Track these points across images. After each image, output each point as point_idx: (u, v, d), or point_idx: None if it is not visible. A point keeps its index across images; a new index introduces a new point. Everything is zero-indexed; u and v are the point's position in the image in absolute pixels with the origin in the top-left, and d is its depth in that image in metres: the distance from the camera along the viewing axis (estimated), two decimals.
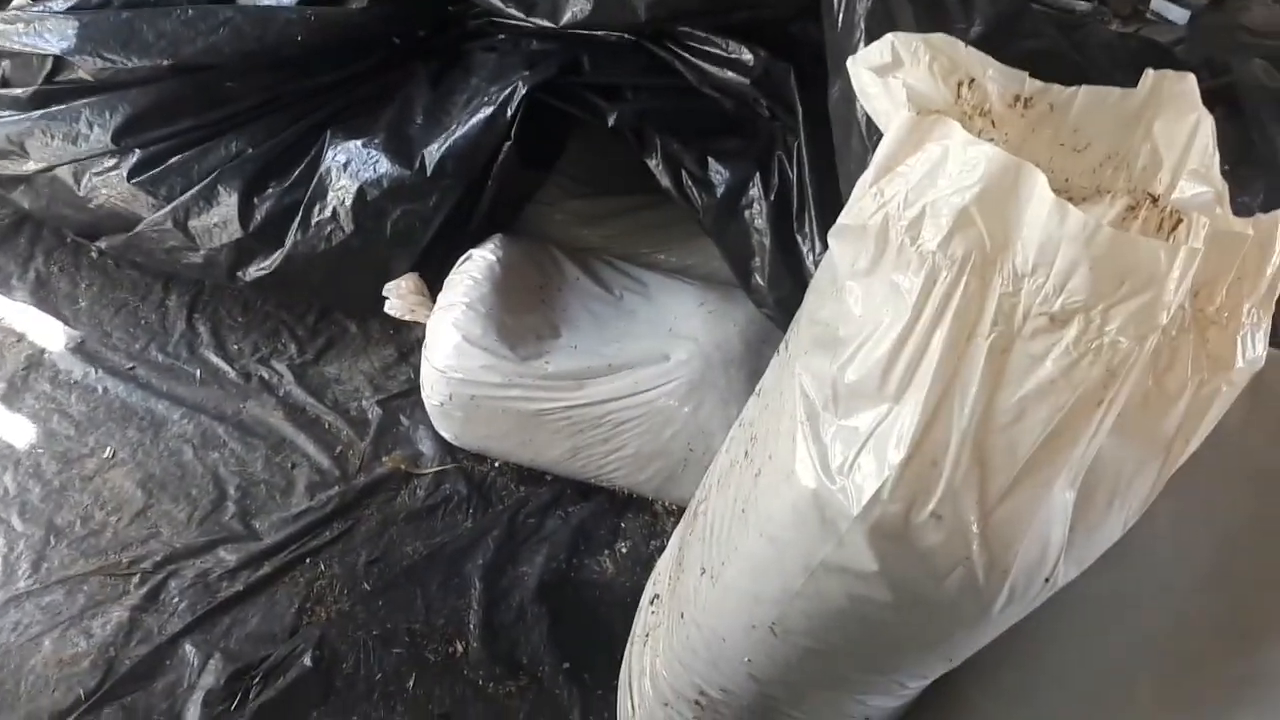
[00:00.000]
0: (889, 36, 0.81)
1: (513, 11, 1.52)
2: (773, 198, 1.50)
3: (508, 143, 1.53)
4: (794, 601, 0.95)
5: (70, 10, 1.56)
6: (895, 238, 0.75)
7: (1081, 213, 0.66)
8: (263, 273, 1.65)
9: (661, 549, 1.54)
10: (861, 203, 0.78)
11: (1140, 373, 0.74)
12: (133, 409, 1.69)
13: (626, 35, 1.49)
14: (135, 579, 1.48)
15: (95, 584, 1.47)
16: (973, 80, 0.84)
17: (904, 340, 0.76)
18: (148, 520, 1.55)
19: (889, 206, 0.75)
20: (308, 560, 1.54)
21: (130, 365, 1.75)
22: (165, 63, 1.51)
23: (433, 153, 1.53)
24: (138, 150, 1.58)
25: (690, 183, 1.55)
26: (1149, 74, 0.86)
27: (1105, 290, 0.68)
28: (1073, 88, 0.87)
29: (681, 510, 1.55)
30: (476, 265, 1.60)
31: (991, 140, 0.89)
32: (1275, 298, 0.77)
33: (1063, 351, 0.71)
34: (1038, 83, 0.87)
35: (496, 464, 1.69)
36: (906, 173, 0.74)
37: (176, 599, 1.47)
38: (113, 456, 1.62)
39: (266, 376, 1.77)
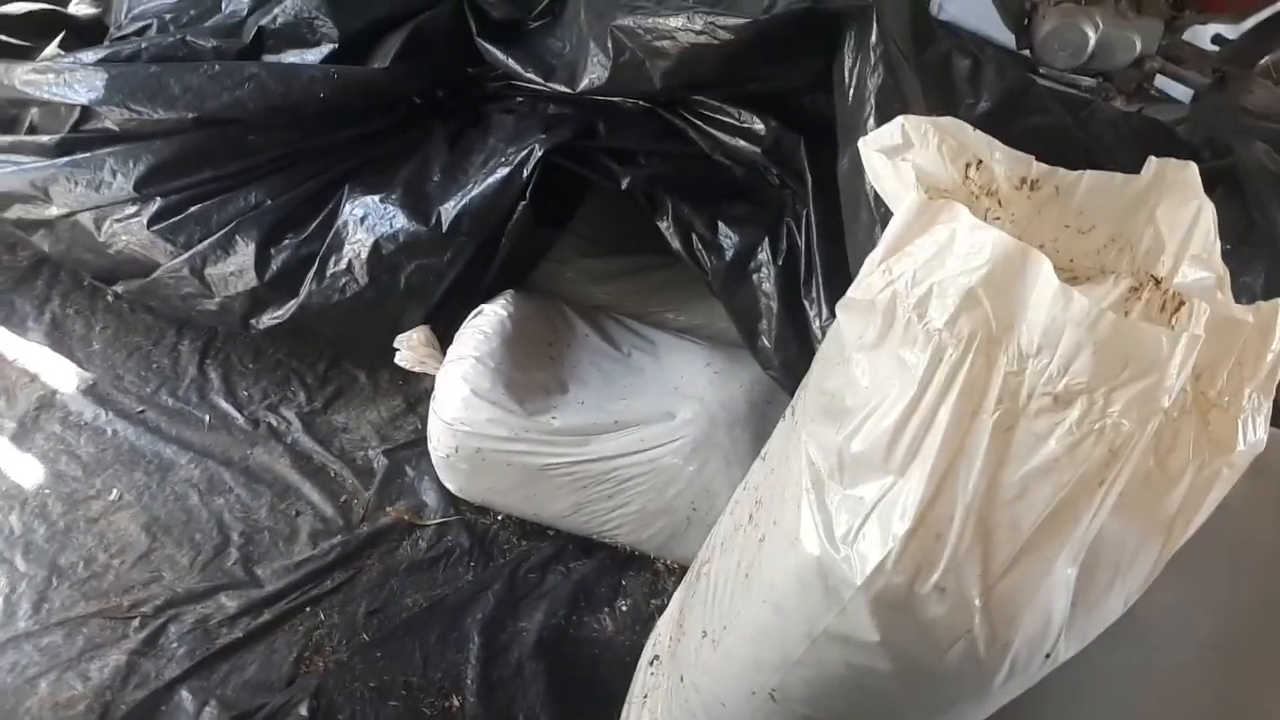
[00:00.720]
0: (899, 119, 0.83)
1: (531, 76, 1.56)
2: (781, 263, 1.53)
3: (522, 202, 1.56)
4: (795, 669, 0.96)
5: (100, 62, 1.60)
6: (903, 314, 0.77)
7: (1085, 298, 0.68)
8: (276, 321, 1.67)
9: (662, 608, 1.53)
10: (870, 279, 0.80)
11: (1142, 454, 0.75)
12: (141, 452, 1.70)
13: (641, 102, 1.53)
14: (135, 623, 1.48)
15: (95, 626, 1.46)
16: (980, 162, 0.87)
17: (910, 414, 0.78)
18: (150, 564, 1.55)
19: (897, 284, 0.77)
20: (308, 609, 1.53)
21: (140, 409, 1.77)
22: (190, 115, 1.55)
23: (449, 210, 1.56)
24: (159, 199, 1.61)
25: (700, 246, 1.58)
26: (1152, 161, 0.88)
27: (1108, 374, 0.70)
28: (1078, 172, 0.90)
29: (683, 569, 1.55)
30: (487, 320, 1.62)
31: (998, 220, 0.92)
32: (1276, 383, 0.79)
33: (1066, 431, 0.73)
34: (1044, 166, 0.90)
35: (500, 517, 1.69)
36: (914, 253, 0.77)
37: (175, 644, 1.46)
38: (119, 499, 1.63)
39: (275, 424, 1.78)
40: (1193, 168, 0.86)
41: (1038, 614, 0.82)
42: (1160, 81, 2.44)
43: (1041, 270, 0.69)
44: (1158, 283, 0.89)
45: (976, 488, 0.76)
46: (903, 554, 0.81)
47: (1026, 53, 2.33)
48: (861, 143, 0.84)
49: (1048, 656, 0.87)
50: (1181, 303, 0.87)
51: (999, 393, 0.74)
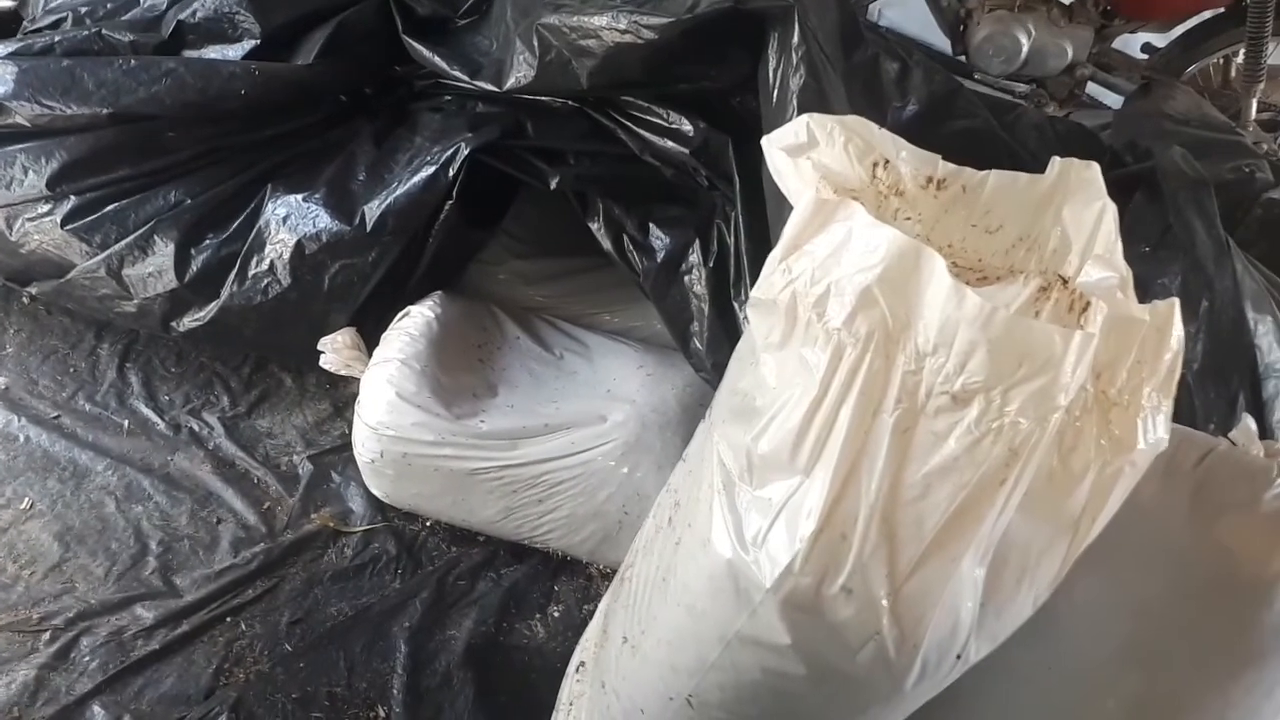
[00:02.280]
0: (804, 117, 0.83)
1: (457, 74, 1.54)
2: (712, 265, 1.53)
3: (449, 202, 1.54)
4: (710, 673, 0.95)
5: (9, 55, 1.55)
6: (803, 314, 0.76)
7: (979, 296, 0.68)
8: (197, 324, 1.63)
9: (595, 613, 1.52)
10: (772, 278, 0.79)
11: (1044, 453, 0.75)
12: (55, 459, 1.64)
13: (570, 102, 1.52)
14: (45, 636, 1.42)
15: (2, 641, 1.41)
16: (887, 161, 0.86)
17: (813, 414, 0.77)
18: (63, 574, 1.50)
19: (796, 283, 0.76)
20: (228, 619, 1.49)
21: (55, 414, 1.71)
22: (105, 111, 1.50)
23: (373, 209, 1.53)
24: (73, 197, 1.56)
25: (631, 247, 1.57)
26: (1056, 161, 0.89)
27: (1004, 372, 0.70)
28: (984, 171, 0.90)
29: (616, 574, 1.54)
30: (414, 322, 1.60)
31: (908, 220, 0.91)
32: (1175, 381, 0.79)
33: (965, 430, 0.73)
34: (950, 165, 0.90)
35: (428, 523, 1.66)
36: (813, 251, 0.76)
37: (88, 658, 1.41)
38: (30, 507, 1.58)
39: (197, 429, 1.73)
40: (1095, 168, 0.86)
41: (946, 614, 0.82)
42: (1092, 89, 2.48)
43: (935, 268, 0.69)
44: (1065, 283, 0.89)
45: (879, 488, 0.76)
46: (809, 555, 0.80)
47: (962, 58, 2.36)
48: (765, 140, 0.84)
49: (958, 657, 0.86)
50: (1089, 303, 0.87)
51: (898, 392, 0.73)
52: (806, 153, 0.82)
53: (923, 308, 0.70)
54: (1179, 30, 2.26)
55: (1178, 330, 0.75)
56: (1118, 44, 2.35)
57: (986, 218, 0.89)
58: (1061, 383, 0.69)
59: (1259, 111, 2.19)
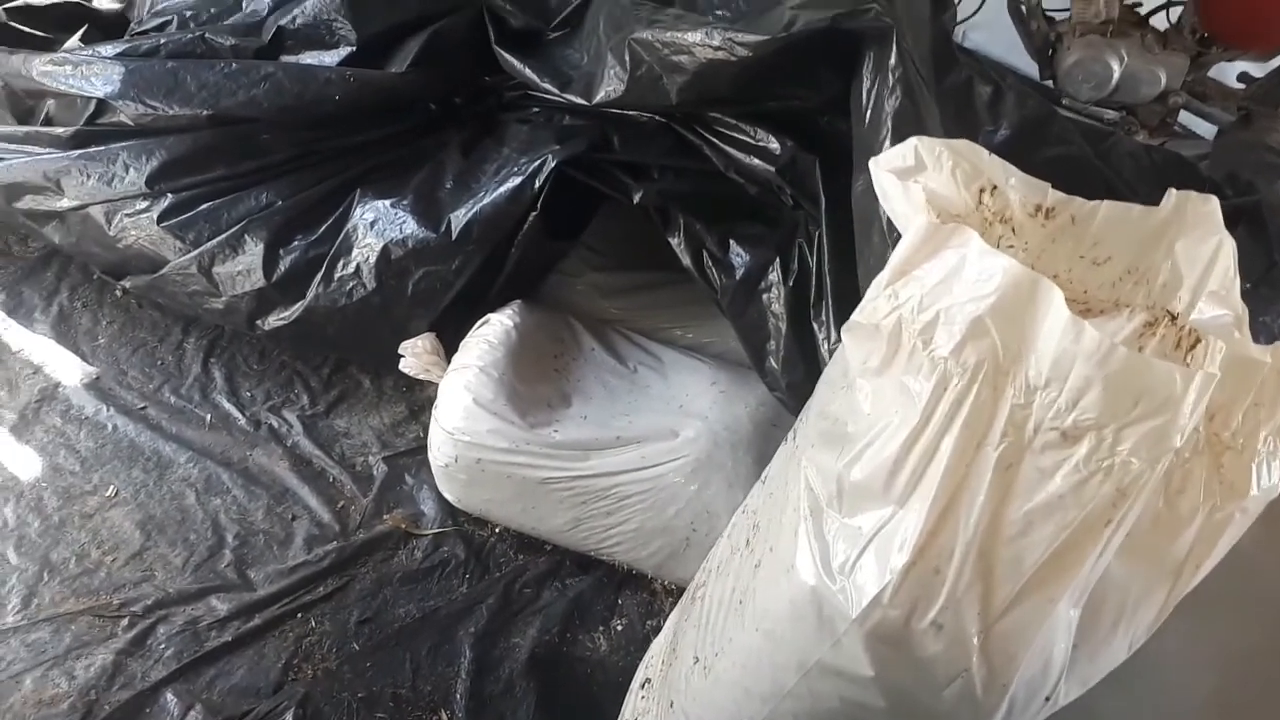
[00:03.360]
0: (912, 140, 0.82)
1: (548, 86, 1.55)
2: (791, 284, 1.51)
3: (533, 213, 1.55)
4: (785, 700, 0.93)
5: (117, 56, 1.61)
6: (908, 340, 0.75)
7: (1097, 331, 0.66)
8: (282, 323, 1.66)
9: (658, 629, 1.51)
10: (876, 303, 0.78)
11: (1151, 494, 0.73)
12: (140, 449, 1.69)
13: (657, 117, 1.52)
14: (124, 622, 1.46)
15: (83, 624, 1.45)
16: (995, 188, 0.85)
17: (912, 443, 0.75)
18: (143, 562, 1.54)
19: (903, 309, 0.75)
20: (299, 615, 1.52)
21: (142, 405, 1.76)
22: (205, 113, 1.55)
23: (459, 217, 1.55)
24: (170, 195, 1.60)
25: (710, 263, 1.56)
26: (1172, 193, 0.86)
27: (1118, 410, 0.68)
28: (1095, 201, 0.88)
29: (680, 590, 1.53)
30: (493, 330, 1.61)
31: (1012, 248, 0.89)
32: None
33: (1073, 468, 0.71)
34: (1060, 194, 0.88)
35: (497, 530, 1.67)
36: (922, 277, 0.75)
37: (164, 645, 1.45)
38: (115, 495, 1.62)
39: (276, 426, 1.76)
40: (1214, 202, 0.84)
41: (1038, 655, 0.80)
42: (1184, 118, 2.42)
43: (1053, 300, 0.67)
44: (1173, 318, 0.86)
45: (978, 523, 0.74)
46: (900, 588, 0.79)
47: (1050, 83, 2.31)
48: (872, 162, 0.83)
49: (1048, 699, 0.84)
50: (1198, 340, 0.84)
51: (1004, 425, 0.71)
52: (914, 176, 0.81)
53: (1036, 340, 0.69)
54: (1278, 60, 2.19)
55: None
56: (1213, 73, 2.28)
57: (1095, 249, 0.87)
58: (1178, 424, 0.67)
59: None
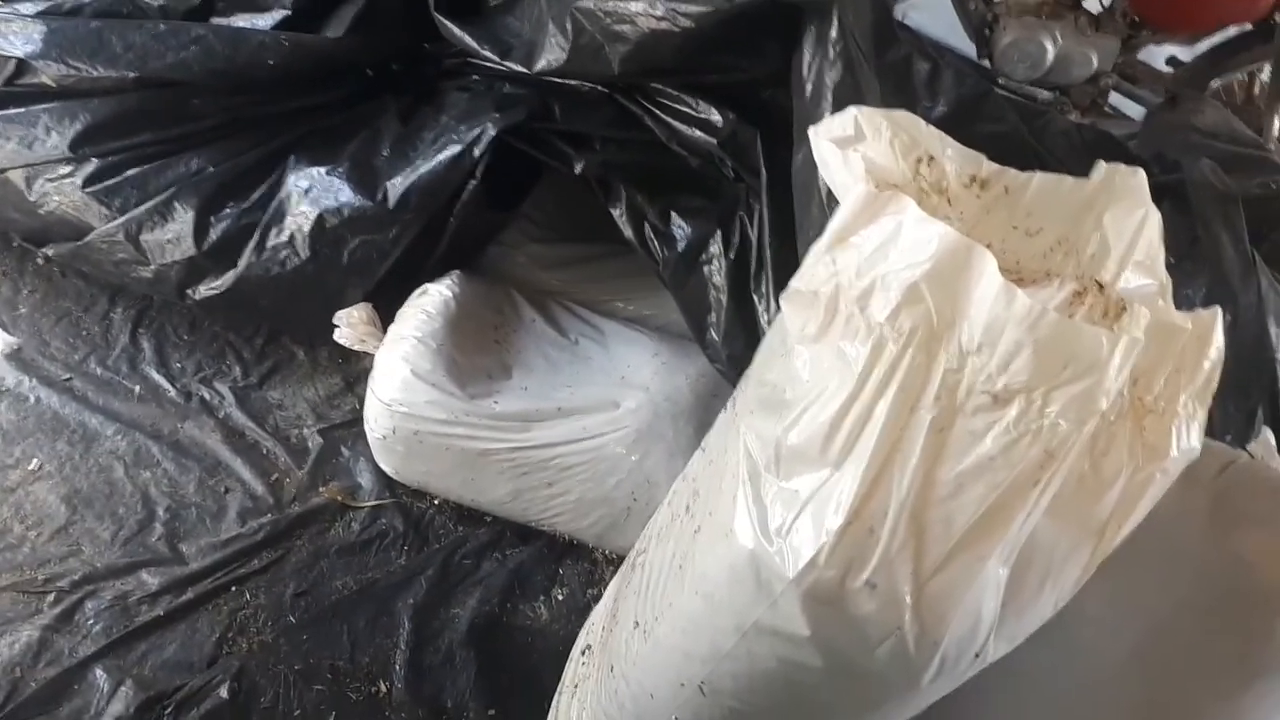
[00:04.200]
0: (852, 109, 0.83)
1: (488, 54, 1.53)
2: (732, 256, 1.52)
3: (472, 182, 1.53)
4: (724, 662, 0.95)
5: (39, 15, 1.54)
6: (845, 307, 0.76)
7: (1028, 297, 0.67)
8: (213, 292, 1.62)
9: (599, 597, 1.52)
10: (815, 269, 0.79)
11: (1077, 456, 0.75)
12: (65, 421, 1.64)
13: (599, 86, 1.51)
14: (50, 597, 1.42)
15: (7, 600, 1.41)
16: (931, 158, 0.86)
17: (848, 408, 0.77)
18: (69, 537, 1.50)
19: (840, 276, 0.76)
20: (233, 589, 1.49)
21: (67, 377, 1.71)
22: (131, 75, 1.49)
23: (396, 185, 1.52)
24: (95, 160, 1.55)
25: (652, 235, 1.57)
26: (1101, 165, 0.88)
27: (1047, 373, 0.70)
28: (1028, 173, 0.90)
29: (621, 559, 1.54)
30: (431, 300, 1.59)
31: (947, 218, 0.91)
32: (1211, 391, 0.79)
33: (1003, 430, 0.73)
34: (994, 165, 0.89)
35: (436, 501, 1.66)
36: (860, 244, 0.76)
37: (92, 621, 1.41)
38: (39, 469, 1.57)
39: (207, 397, 1.73)
40: (1141, 175, 0.86)
41: (968, 613, 0.82)
42: (1114, 99, 2.48)
43: (986, 267, 0.69)
44: (1101, 288, 0.89)
45: (911, 484, 0.76)
46: (835, 548, 0.80)
47: (987, 63, 2.35)
48: (812, 130, 0.83)
49: (976, 656, 0.86)
50: (1124, 308, 0.87)
51: (938, 389, 0.73)
52: (853, 145, 0.82)
53: (969, 306, 0.70)
54: (1206, 44, 2.26)
55: (1218, 340, 0.75)
56: (1143, 55, 2.34)
57: (1027, 220, 0.89)
58: (1105, 386, 0.69)
59: None
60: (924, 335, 0.72)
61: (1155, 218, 0.83)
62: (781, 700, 0.95)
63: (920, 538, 0.78)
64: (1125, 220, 0.85)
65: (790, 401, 0.85)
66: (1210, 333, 0.74)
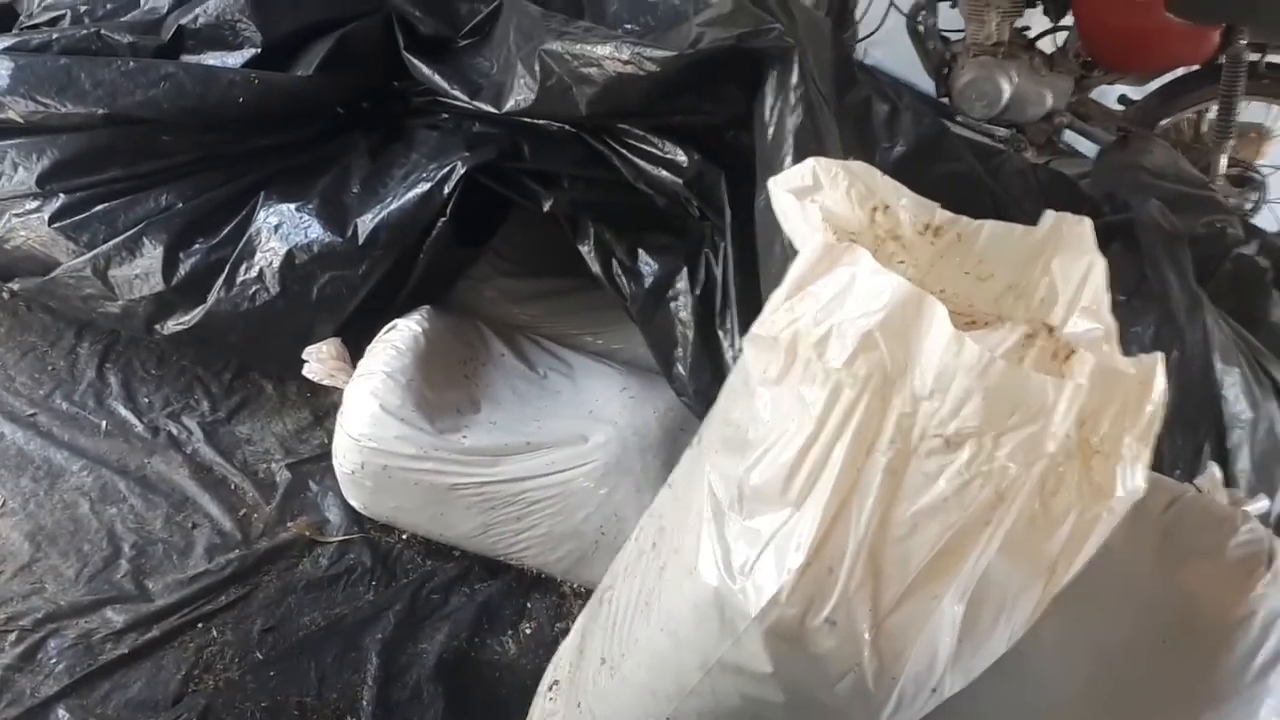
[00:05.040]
0: (810, 161, 0.85)
1: (457, 94, 1.55)
2: (698, 292, 1.55)
3: (442, 219, 1.55)
4: (689, 699, 0.96)
5: (6, 50, 1.55)
6: (804, 352, 0.79)
7: (977, 345, 0.70)
8: (182, 327, 1.63)
9: (567, 631, 1.52)
10: (775, 316, 0.82)
11: (1027, 497, 0.78)
12: (29, 457, 1.63)
13: (567, 126, 1.54)
14: (12, 636, 1.41)
15: None
16: (887, 207, 0.89)
17: (807, 450, 0.79)
18: (33, 575, 1.49)
19: (799, 323, 0.79)
20: (200, 625, 1.49)
21: (31, 412, 1.70)
22: (100, 111, 1.50)
23: (366, 222, 1.54)
24: (62, 195, 1.55)
25: (620, 271, 1.59)
26: (1049, 215, 0.92)
27: (997, 419, 0.72)
28: (980, 221, 0.93)
29: (590, 592, 1.55)
30: (400, 335, 1.60)
31: (902, 264, 0.94)
32: (1154, 432, 0.82)
33: (955, 473, 0.75)
34: (947, 213, 0.93)
35: (404, 536, 1.66)
36: (817, 293, 0.78)
37: (55, 660, 1.40)
38: (2, 505, 1.56)
39: (175, 432, 1.72)
40: (1088, 223, 0.90)
41: (925, 649, 0.84)
42: (1070, 137, 2.55)
43: (937, 316, 0.72)
44: (1051, 331, 0.92)
45: (869, 524, 0.78)
46: (796, 587, 0.82)
47: (946, 100, 2.42)
48: (771, 182, 0.86)
49: (933, 691, 0.88)
50: (1073, 351, 0.90)
51: (893, 433, 0.76)
52: (811, 195, 0.84)
53: (921, 354, 0.73)
54: (1155, 84, 2.33)
55: (1160, 384, 0.78)
56: (1095, 95, 2.42)
57: (979, 266, 0.92)
58: (1051, 431, 0.72)
59: (1229, 167, 2.26)
60: (879, 381, 0.75)
61: (1101, 264, 0.87)
62: None
63: (878, 576, 0.80)
64: (1072, 266, 0.88)
65: (752, 442, 0.87)
66: (1152, 377, 0.77)
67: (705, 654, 0.92)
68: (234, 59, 1.58)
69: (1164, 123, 2.35)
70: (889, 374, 0.75)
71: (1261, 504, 1.10)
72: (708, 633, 0.91)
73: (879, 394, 0.75)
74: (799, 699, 0.89)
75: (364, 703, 1.44)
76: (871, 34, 2.56)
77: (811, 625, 0.84)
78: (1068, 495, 0.80)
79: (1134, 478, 0.80)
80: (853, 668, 0.85)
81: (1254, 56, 2.11)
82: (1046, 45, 2.34)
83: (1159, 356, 0.79)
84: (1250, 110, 2.26)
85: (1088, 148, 2.54)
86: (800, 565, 0.81)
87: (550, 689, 1.36)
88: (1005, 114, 2.33)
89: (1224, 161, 2.23)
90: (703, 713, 0.96)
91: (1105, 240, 1.49)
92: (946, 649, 0.85)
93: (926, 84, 2.50)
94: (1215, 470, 1.14)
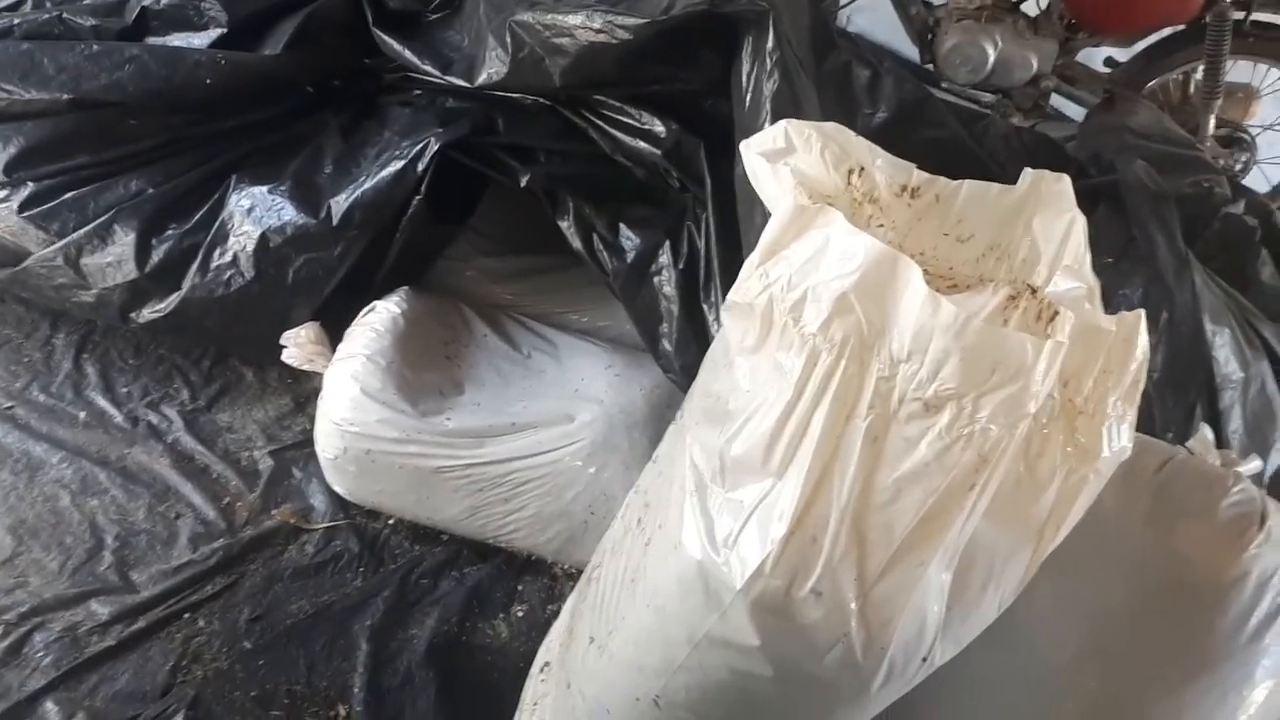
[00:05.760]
0: (782, 123, 0.83)
1: (428, 69, 1.52)
2: (681, 266, 1.53)
3: (417, 197, 1.52)
4: (678, 674, 0.95)
5: None
6: (779, 318, 0.77)
7: (953, 305, 0.68)
8: (157, 315, 1.60)
9: (559, 613, 1.51)
10: (749, 282, 0.80)
11: (1011, 459, 0.76)
12: (8, 451, 1.61)
13: (541, 99, 1.51)
14: None
15: None
16: (862, 169, 0.87)
17: (786, 418, 0.77)
18: (15, 569, 1.47)
19: (774, 288, 0.77)
20: (186, 616, 1.47)
21: (8, 405, 1.67)
22: (65, 97, 1.47)
23: (340, 202, 1.51)
24: (31, 183, 1.52)
25: (601, 247, 1.57)
26: (1028, 173, 0.90)
27: (976, 379, 0.71)
28: (957, 181, 0.91)
29: (580, 573, 1.53)
30: (379, 317, 1.58)
31: (881, 227, 0.92)
32: (1139, 390, 0.81)
33: (936, 436, 0.73)
34: (924, 174, 0.91)
35: (391, 521, 1.65)
36: (790, 257, 0.76)
37: (41, 653, 1.38)
38: None
39: (155, 422, 1.70)
40: (1067, 180, 0.88)
41: (913, 618, 0.83)
42: (1057, 101, 2.53)
43: (912, 277, 0.70)
44: (1034, 292, 0.90)
45: (851, 492, 0.77)
46: (780, 558, 0.81)
47: (929, 67, 2.39)
48: (743, 145, 0.84)
49: (924, 660, 0.87)
50: (1057, 312, 0.88)
51: (871, 398, 0.74)
52: (784, 158, 0.82)
53: (898, 315, 0.71)
54: (1141, 45, 2.31)
55: (1143, 341, 0.76)
56: (1081, 57, 2.39)
57: (958, 227, 0.90)
58: (1032, 390, 0.70)
59: (1216, 128, 2.24)
60: (856, 345, 0.73)
61: (1081, 222, 0.85)
62: (735, 711, 0.95)
63: (862, 544, 0.79)
64: (1053, 225, 0.86)
65: (733, 412, 0.85)
66: (1135, 334, 0.76)
67: (692, 628, 0.90)
68: (200, 39, 1.55)
69: (1151, 84, 2.33)
70: (866, 337, 0.73)
71: (1254, 464, 1.09)
72: (693, 607, 0.90)
73: (856, 358, 0.73)
74: (787, 671, 0.88)
75: (355, 689, 1.43)
76: (853, 0, 2.53)
77: (797, 596, 0.82)
78: (1053, 457, 0.79)
79: (1120, 437, 0.79)
80: (840, 638, 0.83)
81: (1239, 15, 2.09)
82: (1030, 8, 2.31)
83: (1140, 313, 0.78)
84: (1237, 70, 2.24)
85: (1075, 112, 2.52)
86: (783, 535, 0.80)
87: (541, 670, 1.35)
88: (990, 79, 2.31)
89: (1212, 122, 2.21)
90: (691, 687, 0.95)
91: (1091, 203, 1.48)
92: (935, 617, 0.84)
93: (911, 51, 2.47)
94: (1207, 432, 1.12)
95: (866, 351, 0.73)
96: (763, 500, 0.82)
